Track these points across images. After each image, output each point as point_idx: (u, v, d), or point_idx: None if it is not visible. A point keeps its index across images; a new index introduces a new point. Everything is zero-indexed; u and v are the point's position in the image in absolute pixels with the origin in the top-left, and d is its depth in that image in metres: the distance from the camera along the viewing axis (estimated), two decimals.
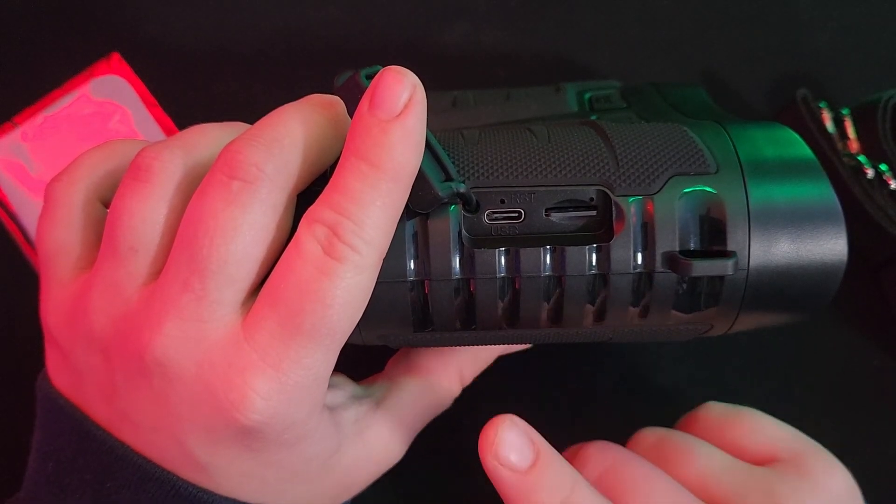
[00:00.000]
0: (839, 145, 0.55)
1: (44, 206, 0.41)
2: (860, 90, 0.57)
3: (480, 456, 0.38)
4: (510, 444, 0.37)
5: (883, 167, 0.54)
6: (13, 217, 0.57)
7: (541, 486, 0.38)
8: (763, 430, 0.46)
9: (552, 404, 0.54)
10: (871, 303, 0.57)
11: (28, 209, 0.58)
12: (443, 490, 0.54)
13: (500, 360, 0.49)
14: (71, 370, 0.40)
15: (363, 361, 0.48)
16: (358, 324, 0.38)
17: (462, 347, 0.46)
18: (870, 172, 0.54)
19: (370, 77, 0.35)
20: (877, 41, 0.61)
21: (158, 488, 0.39)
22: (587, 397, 0.48)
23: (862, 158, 0.54)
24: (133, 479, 0.39)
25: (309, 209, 0.35)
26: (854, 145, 0.55)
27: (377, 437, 0.44)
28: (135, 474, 0.39)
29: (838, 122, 0.56)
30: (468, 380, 0.47)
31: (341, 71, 0.36)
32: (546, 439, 0.44)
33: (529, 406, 0.55)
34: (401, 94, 0.34)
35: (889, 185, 0.54)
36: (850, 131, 0.56)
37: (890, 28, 0.61)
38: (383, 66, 0.35)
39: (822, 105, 0.56)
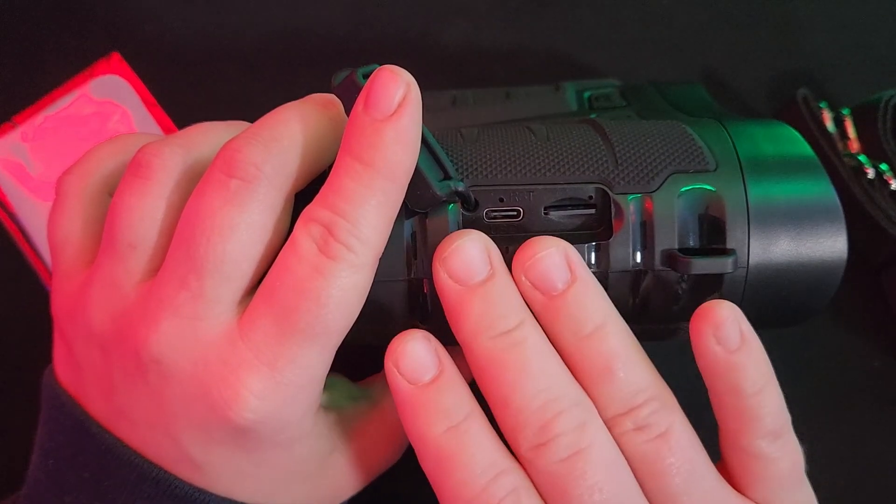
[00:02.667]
0: (839, 145, 0.55)
1: (54, 198, 0.42)
2: (860, 90, 0.57)
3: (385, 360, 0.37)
4: (414, 355, 0.36)
5: (883, 167, 0.54)
6: (13, 217, 0.57)
7: (430, 404, 0.36)
8: None
9: None
10: (872, 303, 0.57)
11: (28, 209, 0.58)
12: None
13: None
14: (73, 363, 0.41)
15: (361, 362, 0.47)
16: (356, 323, 0.38)
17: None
18: (870, 172, 0.54)
19: (367, 76, 0.35)
20: (877, 41, 0.61)
21: (154, 488, 0.39)
22: None
23: (862, 158, 0.54)
24: (130, 479, 0.39)
25: (306, 208, 0.35)
26: (854, 145, 0.55)
27: (374, 438, 0.44)
28: (131, 474, 0.39)
29: (838, 121, 0.56)
30: (466, 379, 0.47)
31: (339, 70, 0.36)
32: None
33: None
34: (395, 93, 0.34)
35: (890, 185, 0.54)
36: (851, 131, 0.56)
37: (890, 28, 0.61)
38: (380, 65, 0.35)
39: (822, 105, 0.56)
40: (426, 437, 0.36)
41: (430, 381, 0.36)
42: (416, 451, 0.37)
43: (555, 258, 0.36)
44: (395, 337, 0.37)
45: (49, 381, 0.42)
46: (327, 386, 0.44)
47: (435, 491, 0.37)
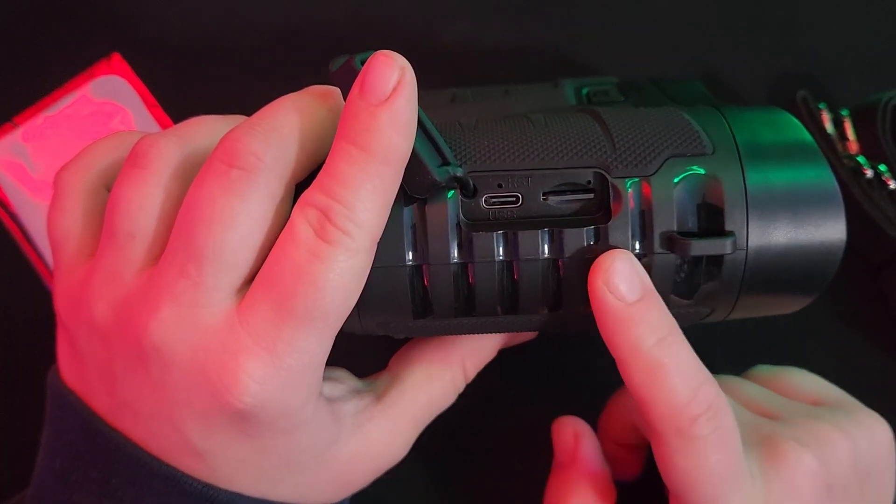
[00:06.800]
0: (838, 146, 0.55)
1: (53, 194, 0.42)
2: (860, 90, 0.57)
3: (590, 281, 0.38)
4: (623, 273, 0.37)
5: (882, 168, 0.54)
6: (14, 217, 0.58)
7: (642, 320, 0.38)
8: (811, 381, 0.49)
9: (555, 400, 0.54)
10: (871, 303, 0.57)
11: (28, 209, 0.58)
12: (445, 490, 0.54)
13: (504, 355, 0.49)
14: (77, 357, 0.41)
15: (366, 358, 0.47)
16: (357, 310, 0.38)
17: (464, 339, 0.46)
18: (869, 173, 0.54)
19: (364, 61, 0.35)
20: (877, 41, 0.61)
21: (163, 485, 0.39)
22: (589, 392, 0.48)
23: (861, 159, 0.54)
24: (139, 476, 0.39)
25: (303, 194, 0.36)
26: (853, 146, 0.55)
27: (378, 431, 0.43)
28: (140, 471, 0.39)
29: (838, 122, 0.56)
30: (472, 373, 0.47)
31: (337, 56, 0.36)
32: (547, 434, 0.44)
33: (532, 401, 0.55)
34: (389, 77, 0.34)
35: (888, 185, 0.54)
36: (850, 132, 0.56)
37: (890, 28, 0.61)
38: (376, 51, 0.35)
39: (821, 106, 0.56)
40: (639, 349, 0.38)
41: (639, 299, 0.38)
42: (624, 365, 0.39)
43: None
44: (601, 257, 0.38)
45: (54, 380, 0.42)
46: (331, 379, 0.44)
47: (642, 404, 0.39)
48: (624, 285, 0.37)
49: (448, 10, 0.61)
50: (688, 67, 0.61)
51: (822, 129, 0.56)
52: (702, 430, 0.38)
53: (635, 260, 0.38)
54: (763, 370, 0.50)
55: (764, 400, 0.46)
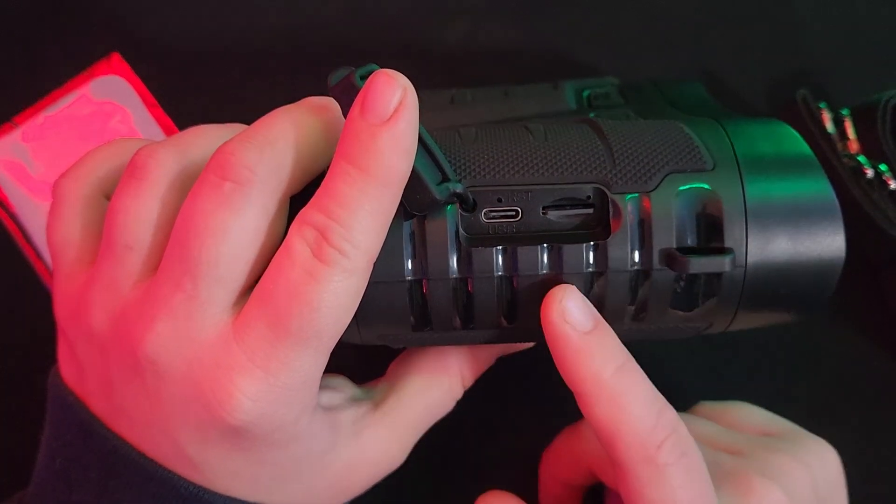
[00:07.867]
0: (839, 146, 0.55)
1: (52, 202, 0.42)
2: (860, 90, 0.57)
3: (543, 315, 0.38)
4: (576, 303, 0.38)
5: (882, 167, 0.54)
6: (14, 217, 0.58)
7: (600, 348, 0.38)
8: (755, 414, 0.49)
9: (554, 406, 0.54)
10: (872, 304, 0.57)
11: (29, 209, 0.58)
12: (442, 497, 0.54)
13: (502, 363, 0.49)
14: (76, 363, 0.41)
15: (364, 365, 0.47)
16: (356, 323, 0.38)
17: (462, 347, 0.46)
18: (869, 173, 0.54)
19: (364, 77, 0.35)
20: (877, 41, 0.61)
21: (160, 488, 0.39)
22: None
23: (862, 159, 0.54)
24: (136, 479, 0.39)
25: (300, 212, 0.35)
26: (854, 146, 0.55)
27: (375, 439, 0.43)
28: (138, 474, 0.39)
29: (838, 122, 0.56)
30: (470, 381, 0.47)
31: (336, 69, 0.36)
32: (547, 441, 0.44)
33: (531, 408, 0.55)
34: (391, 98, 0.34)
35: (889, 185, 0.54)
36: (850, 132, 0.56)
37: (890, 28, 0.61)
38: (379, 66, 0.35)
39: (821, 105, 0.56)
40: (601, 377, 0.38)
41: (593, 328, 0.38)
42: (586, 397, 0.38)
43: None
44: (551, 291, 0.38)
45: (55, 381, 0.42)
46: (329, 388, 0.44)
47: (608, 436, 0.38)
48: (579, 315, 0.38)
49: (448, 10, 0.61)
50: (688, 67, 0.60)
51: (823, 129, 0.56)
52: (669, 457, 0.38)
53: (576, 290, 0.38)
54: (708, 406, 0.51)
55: (717, 435, 0.47)
